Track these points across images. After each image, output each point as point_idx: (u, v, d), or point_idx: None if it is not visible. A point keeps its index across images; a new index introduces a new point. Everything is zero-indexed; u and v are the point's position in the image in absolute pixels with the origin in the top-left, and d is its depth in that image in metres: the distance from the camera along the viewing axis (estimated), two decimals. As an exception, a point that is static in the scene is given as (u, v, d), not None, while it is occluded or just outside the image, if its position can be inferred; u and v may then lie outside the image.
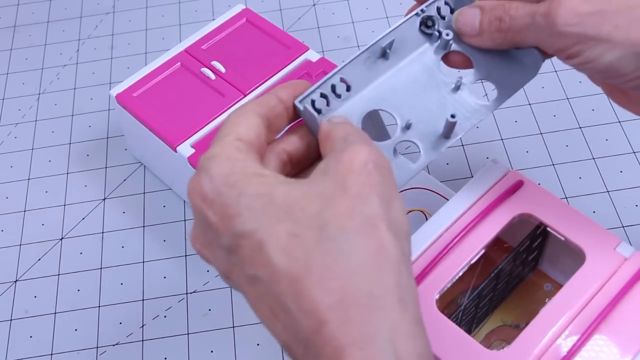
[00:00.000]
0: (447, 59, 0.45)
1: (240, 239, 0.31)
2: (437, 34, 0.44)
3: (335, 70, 0.41)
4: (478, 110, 0.43)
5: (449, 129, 0.42)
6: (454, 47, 0.45)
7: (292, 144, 0.38)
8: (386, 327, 0.29)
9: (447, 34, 0.44)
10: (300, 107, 0.39)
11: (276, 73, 0.63)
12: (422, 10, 0.44)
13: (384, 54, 0.43)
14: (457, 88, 0.44)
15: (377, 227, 0.31)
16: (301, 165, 0.39)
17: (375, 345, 0.28)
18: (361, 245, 0.30)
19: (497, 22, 0.41)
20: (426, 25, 0.44)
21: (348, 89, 0.41)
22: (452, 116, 0.41)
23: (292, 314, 0.30)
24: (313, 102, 0.39)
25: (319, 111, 0.39)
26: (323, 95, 0.40)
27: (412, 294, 0.31)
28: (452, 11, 0.45)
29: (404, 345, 0.29)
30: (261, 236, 0.31)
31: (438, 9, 0.44)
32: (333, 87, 0.41)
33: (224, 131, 0.35)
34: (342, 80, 0.41)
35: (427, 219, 0.54)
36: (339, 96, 0.41)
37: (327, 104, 0.40)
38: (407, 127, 0.42)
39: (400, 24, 0.43)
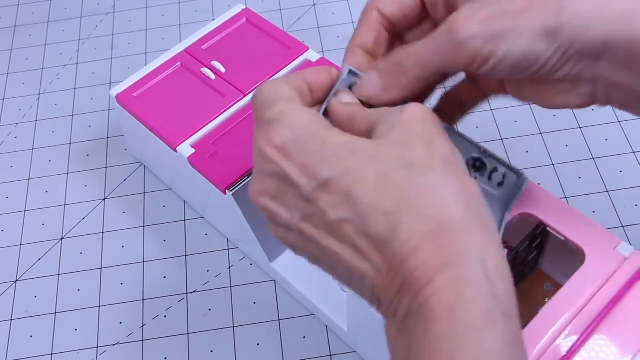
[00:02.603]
0: None
1: (326, 186, 0.33)
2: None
3: None
4: None
5: None
6: None
7: None
8: (477, 248, 0.31)
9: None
10: (347, 69, 0.39)
11: (276, 73, 0.63)
12: (485, 151, 0.41)
13: None
14: None
15: (455, 166, 0.34)
16: None
17: (467, 263, 0.31)
18: (449, 180, 0.33)
19: (397, 67, 0.38)
20: (475, 165, 0.42)
21: None
22: None
23: (386, 245, 0.31)
24: (354, 83, 0.40)
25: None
26: None
27: (493, 225, 0.34)
28: (500, 184, 0.42)
29: (492, 263, 0.31)
30: (349, 180, 0.32)
31: (495, 169, 0.42)
32: None
33: (272, 95, 0.36)
34: None
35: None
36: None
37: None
38: None
39: (465, 137, 0.41)
